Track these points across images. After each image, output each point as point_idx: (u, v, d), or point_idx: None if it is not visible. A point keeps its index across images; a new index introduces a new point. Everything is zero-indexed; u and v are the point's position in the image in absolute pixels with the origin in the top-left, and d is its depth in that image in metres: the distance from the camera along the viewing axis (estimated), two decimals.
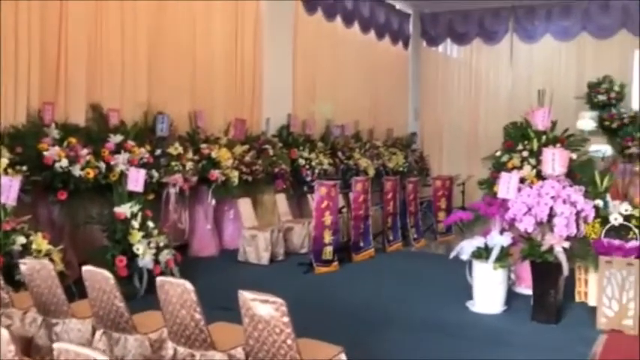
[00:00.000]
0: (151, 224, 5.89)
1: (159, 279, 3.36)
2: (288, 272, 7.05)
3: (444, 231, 9.52)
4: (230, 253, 7.81)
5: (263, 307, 2.89)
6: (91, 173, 6.05)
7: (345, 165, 10.36)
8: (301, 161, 9.14)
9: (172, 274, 5.76)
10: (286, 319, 2.85)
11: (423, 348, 4.60)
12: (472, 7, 12.98)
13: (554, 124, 6.31)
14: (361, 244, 7.81)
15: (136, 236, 5.65)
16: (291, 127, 9.47)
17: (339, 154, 10.39)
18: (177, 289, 3.21)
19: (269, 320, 2.88)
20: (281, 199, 8.50)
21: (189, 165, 7.21)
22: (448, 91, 13.75)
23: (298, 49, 10.03)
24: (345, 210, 8.01)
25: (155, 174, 6.75)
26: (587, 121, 11.08)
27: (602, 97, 11.12)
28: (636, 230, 5.06)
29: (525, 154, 6.14)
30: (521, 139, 6.31)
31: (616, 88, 11.12)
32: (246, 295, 2.95)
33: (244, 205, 7.96)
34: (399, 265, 7.63)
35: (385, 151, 11.91)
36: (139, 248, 5.61)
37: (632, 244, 4.99)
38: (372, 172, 10.69)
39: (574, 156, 6.03)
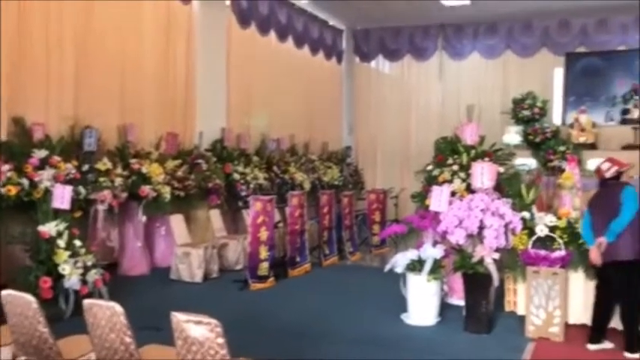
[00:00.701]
0: (77, 243, 5.65)
1: (86, 302, 3.20)
2: (223, 290, 6.92)
3: (379, 244, 9.64)
4: (162, 271, 7.59)
5: (197, 329, 2.80)
6: (13, 190, 5.74)
7: (281, 179, 10.31)
8: (236, 176, 9.02)
9: (100, 295, 5.55)
10: (221, 340, 2.77)
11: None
12: (403, 25, 13.30)
13: (482, 138, 6.51)
14: (297, 259, 7.78)
15: (62, 256, 5.40)
16: (226, 141, 9.35)
17: (275, 168, 10.33)
18: (106, 312, 3.07)
19: (203, 342, 2.79)
20: (215, 215, 8.35)
21: (118, 181, 6.97)
22: (381, 105, 13.98)
23: (232, 63, 9.95)
24: (281, 225, 7.96)
25: (82, 190, 6.47)
26: (512, 136, 11.55)
27: (526, 113, 11.57)
28: (560, 241, 5.26)
29: (455, 167, 6.30)
30: (451, 154, 6.47)
31: (539, 104, 11.61)
32: (179, 317, 2.85)
33: (176, 221, 7.77)
34: (335, 279, 7.64)
35: (321, 165, 11.96)
36: (65, 268, 5.36)
37: (557, 254, 5.18)
38: (307, 186, 10.70)
39: (501, 169, 6.24)
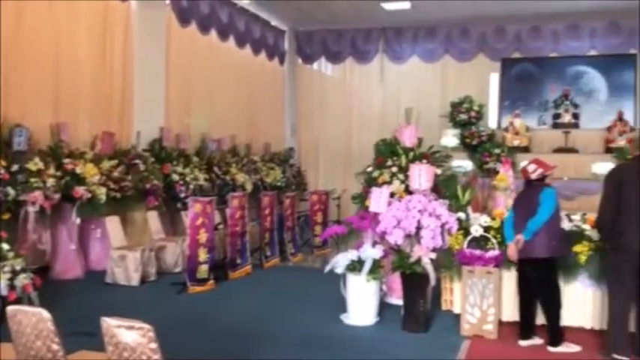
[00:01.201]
0: (5, 246, 5.39)
1: (10, 308, 3.05)
2: (161, 293, 6.77)
3: (321, 245, 9.67)
4: (97, 275, 7.36)
5: (129, 334, 2.71)
6: None
7: (222, 180, 10.19)
8: (175, 177, 8.85)
9: (30, 300, 5.31)
10: (154, 345, 2.69)
11: None
12: (345, 27, 13.41)
13: (420, 140, 6.63)
14: (238, 261, 7.70)
15: None
16: (164, 141, 9.15)
17: (216, 169, 10.20)
18: (31, 319, 2.93)
19: (135, 347, 2.71)
20: (153, 217, 8.16)
21: (50, 181, 6.69)
22: (324, 107, 14.05)
23: (172, 61, 9.76)
24: (221, 226, 7.86)
25: (11, 191, 6.20)
26: (450, 138, 11.84)
27: (463, 116, 11.90)
28: (494, 240, 5.41)
29: (395, 169, 6.39)
30: (390, 155, 6.56)
31: (475, 108, 11.96)
32: (109, 322, 2.75)
33: (112, 223, 7.54)
34: (276, 281, 7.61)
35: (263, 166, 11.89)
36: None
37: (491, 253, 5.33)
38: (249, 188, 10.61)
39: (439, 171, 6.37)
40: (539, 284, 4.94)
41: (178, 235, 8.37)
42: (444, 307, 6.08)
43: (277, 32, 13.36)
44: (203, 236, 6.87)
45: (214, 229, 7.33)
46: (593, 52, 12.14)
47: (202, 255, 6.86)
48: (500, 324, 5.34)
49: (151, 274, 7.31)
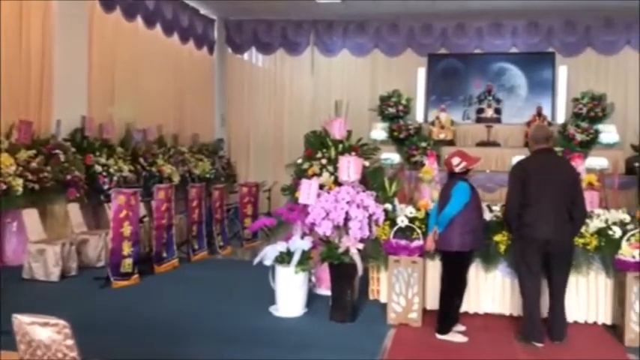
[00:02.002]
0: None
1: None
2: (82, 288, 6.51)
3: (251, 237, 9.59)
4: (13, 270, 6.99)
5: (43, 331, 2.58)
6: None
7: (148, 172, 9.91)
8: (98, 168, 8.52)
9: None
10: (70, 341, 2.58)
11: (227, 357, 4.53)
12: (275, 18, 13.34)
13: (349, 133, 6.67)
14: (164, 255, 7.51)
15: None
16: (86, 131, 8.79)
17: (141, 160, 9.91)
18: None
19: (50, 345, 2.58)
20: (74, 209, 7.83)
21: None
22: (254, 98, 13.93)
23: (94, 48, 9.38)
24: (146, 219, 7.65)
25: None
26: (379, 132, 12.05)
27: (391, 110, 12.12)
28: (419, 231, 5.54)
29: (324, 161, 6.41)
30: (320, 148, 6.57)
31: (403, 102, 12.21)
32: (21, 319, 2.61)
33: (30, 216, 7.18)
34: (204, 275, 7.48)
35: (191, 158, 11.66)
36: None
37: (416, 243, 5.44)
38: (176, 179, 10.38)
39: (367, 163, 6.45)
40: (444, 274, 5.11)
41: (101, 229, 8.07)
42: (372, 296, 6.18)
43: (206, 21, 13.10)
44: (127, 229, 6.66)
45: (139, 221, 7.11)
46: (514, 50, 12.64)
47: (126, 248, 6.65)
48: (425, 312, 5.47)
49: (72, 268, 7.02)
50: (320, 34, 13.45)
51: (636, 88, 12.08)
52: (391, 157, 11.12)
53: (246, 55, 14.06)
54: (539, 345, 4.83)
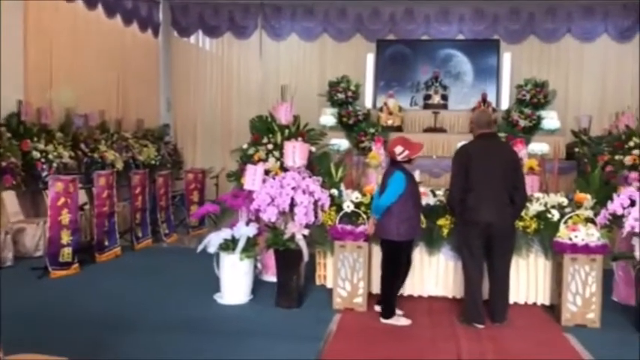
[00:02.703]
0: None
1: None
2: (19, 279, 6.27)
3: (197, 224, 9.44)
4: None
5: None
6: None
7: (90, 158, 9.58)
8: (36, 154, 8.16)
9: None
10: None
11: (170, 347, 4.44)
12: (222, 1, 13.07)
13: (296, 118, 6.61)
14: (106, 243, 7.31)
15: None
16: (23, 116, 8.39)
17: (82, 146, 9.56)
18: None
19: None
20: (10, 197, 7.51)
21: None
22: (201, 82, 13.64)
23: (30, 30, 8.94)
24: (87, 207, 7.41)
25: None
26: (328, 117, 12.02)
27: (340, 95, 12.08)
28: (365, 216, 5.55)
29: (270, 147, 6.34)
30: (266, 133, 6.49)
31: (352, 88, 12.18)
32: None
33: None
34: (147, 263, 7.32)
35: (135, 144, 11.33)
36: None
37: (362, 228, 5.45)
38: (120, 166, 10.08)
39: (313, 149, 6.41)
40: (383, 261, 5.16)
41: (41, 217, 7.77)
42: (319, 282, 6.19)
43: (150, 3, 12.69)
44: (66, 217, 6.44)
45: (80, 209, 6.89)
46: (461, 37, 12.78)
47: (65, 237, 6.44)
48: (371, 296, 5.51)
49: (8, 259, 6.76)
50: (268, 18, 13.25)
51: (577, 75, 12.47)
52: (340, 142, 11.12)
53: (192, 39, 13.73)
54: (480, 326, 4.94)
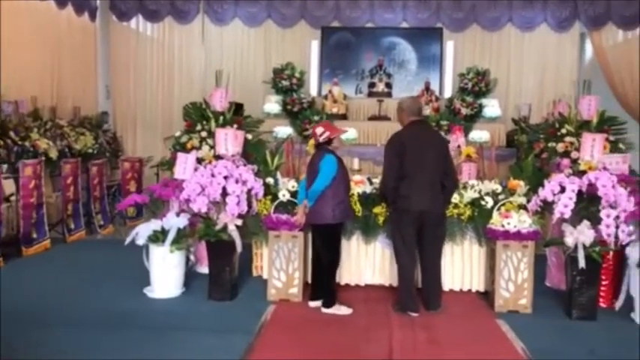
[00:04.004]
0: None
1: None
2: None
3: (134, 215, 9.13)
4: None
5: None
6: None
7: (20, 147, 9.11)
8: None
9: None
10: None
11: (99, 343, 4.25)
12: None
13: (231, 105, 6.41)
14: (34, 236, 6.97)
15: None
16: None
17: (12, 134, 9.07)
18: None
19: None
20: None
21: None
22: (141, 69, 13.18)
23: None
24: (13, 197, 7.03)
25: None
26: (273, 104, 11.84)
27: (285, 83, 11.91)
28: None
29: (204, 134, 6.13)
30: (200, 120, 6.28)
31: (297, 75, 12.02)
32: None
33: None
34: (78, 256, 7.02)
35: (71, 132, 10.86)
36: None
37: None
38: (54, 155, 9.63)
39: (250, 136, 6.24)
40: (320, 249, 5.06)
41: None
42: (255, 273, 6.07)
43: None
44: None
45: (6, 200, 6.53)
46: (405, 25, 12.76)
47: None
48: (306, 286, 5.41)
49: None
50: (210, 3, 12.90)
51: (517, 63, 12.64)
52: (285, 130, 10.97)
53: (132, 23, 13.23)
54: (415, 314, 4.92)
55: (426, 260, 5.02)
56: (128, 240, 5.38)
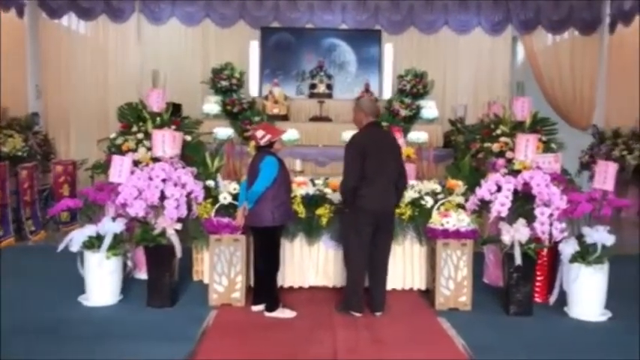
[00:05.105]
0: None
1: None
2: None
3: (69, 220, 8.79)
4: None
5: None
6: None
7: None
8: None
9: None
10: None
11: (31, 354, 4.05)
12: None
13: (169, 105, 6.24)
14: None
15: None
16: None
17: None
18: None
19: None
20: None
21: None
22: (74, 68, 12.69)
23: None
24: None
25: None
26: (212, 105, 11.65)
27: (224, 83, 11.73)
28: None
29: (140, 136, 5.94)
30: (136, 121, 6.09)
31: (236, 75, 11.87)
32: None
33: None
34: (7, 264, 6.64)
35: None
36: None
37: None
38: None
39: (189, 138, 6.11)
40: (259, 252, 5.01)
41: None
42: (195, 277, 5.94)
43: None
44: None
45: None
46: (344, 27, 12.86)
47: None
48: (250, 290, 5.33)
49: None
50: (146, 2, 12.56)
51: (453, 66, 12.97)
52: (225, 131, 10.80)
53: (64, 21, 12.73)
54: (359, 315, 4.93)
55: (377, 261, 5.01)
56: (61, 246, 5.14)
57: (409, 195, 5.59)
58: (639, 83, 10.76)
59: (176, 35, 12.80)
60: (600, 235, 4.93)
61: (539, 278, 5.38)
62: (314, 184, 5.82)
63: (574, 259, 4.97)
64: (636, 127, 10.91)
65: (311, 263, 5.75)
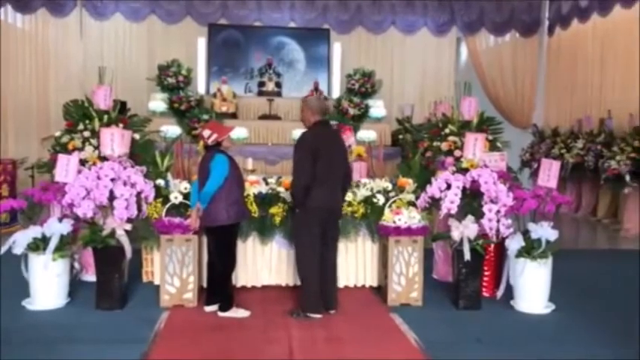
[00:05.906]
0: None
1: None
2: None
3: (8, 221, 8.43)
4: None
5: None
6: None
7: None
8: None
9: None
10: None
11: None
12: None
13: (116, 103, 6.10)
14: None
15: None
16: None
17: None
18: None
19: None
20: None
21: None
22: (11, 64, 12.11)
23: None
24: None
25: None
26: (158, 103, 11.41)
27: (171, 80, 11.49)
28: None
29: (87, 134, 5.76)
30: (83, 119, 5.90)
31: (184, 72, 11.65)
32: None
33: None
34: None
35: None
36: None
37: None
38: None
39: (137, 136, 5.97)
40: (215, 251, 4.95)
41: None
42: (145, 279, 5.82)
43: None
44: None
45: None
46: (293, 25, 12.86)
47: None
48: (202, 290, 5.28)
49: None
50: None
51: (400, 66, 13.19)
52: (172, 129, 10.60)
53: (1, 15, 12.19)
54: (319, 316, 4.86)
55: (328, 259, 5.02)
56: (4, 249, 4.94)
57: (361, 193, 5.65)
58: (576, 84, 11.24)
59: (120, 31, 12.51)
60: (544, 231, 5.12)
61: (486, 273, 5.54)
62: (267, 183, 5.80)
63: (520, 254, 5.14)
64: (574, 126, 11.40)
65: (264, 262, 5.73)
